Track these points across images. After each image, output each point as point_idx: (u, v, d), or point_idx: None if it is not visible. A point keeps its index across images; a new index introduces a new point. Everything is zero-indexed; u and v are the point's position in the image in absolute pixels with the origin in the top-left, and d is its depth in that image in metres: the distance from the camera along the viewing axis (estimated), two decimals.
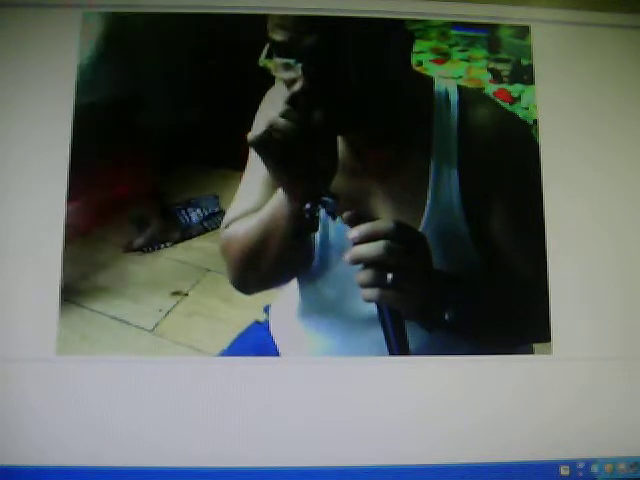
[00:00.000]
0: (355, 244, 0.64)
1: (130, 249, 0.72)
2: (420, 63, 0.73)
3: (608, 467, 0.68)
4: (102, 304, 0.69)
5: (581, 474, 0.67)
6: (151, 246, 0.72)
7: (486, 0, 0.76)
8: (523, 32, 0.76)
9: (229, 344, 0.69)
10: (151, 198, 0.74)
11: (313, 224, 0.67)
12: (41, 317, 0.67)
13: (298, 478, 0.65)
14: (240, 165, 0.71)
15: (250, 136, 0.64)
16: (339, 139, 0.68)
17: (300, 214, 0.65)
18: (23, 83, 0.71)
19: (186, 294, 0.71)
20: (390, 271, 0.64)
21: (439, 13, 0.75)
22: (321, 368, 0.68)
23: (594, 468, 0.68)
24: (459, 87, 0.70)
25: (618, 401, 0.69)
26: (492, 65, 0.75)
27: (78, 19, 0.72)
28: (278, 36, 0.65)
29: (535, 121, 0.74)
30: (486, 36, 0.75)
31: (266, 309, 0.73)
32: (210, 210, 0.74)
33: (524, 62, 0.75)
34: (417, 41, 0.73)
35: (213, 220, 0.74)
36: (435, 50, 0.74)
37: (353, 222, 0.65)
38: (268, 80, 0.68)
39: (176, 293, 0.71)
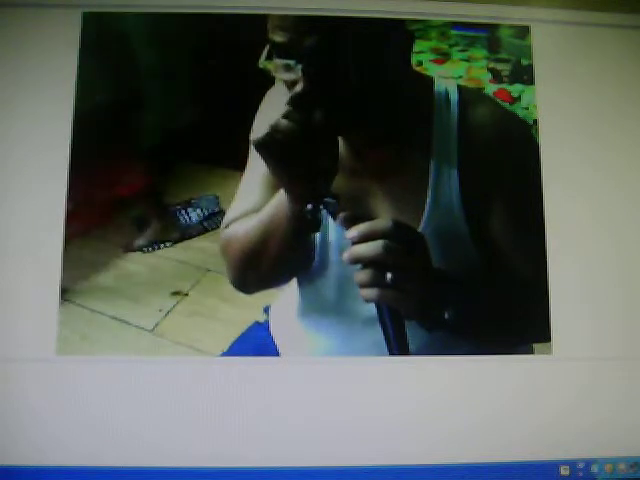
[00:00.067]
0: (354, 243, 0.64)
1: (130, 249, 0.72)
2: (420, 63, 0.73)
3: (608, 467, 0.68)
4: (102, 304, 0.69)
5: (581, 474, 0.67)
6: (151, 246, 0.72)
7: (486, 0, 0.76)
8: (523, 32, 0.76)
9: (229, 346, 0.69)
10: (151, 198, 0.74)
11: (315, 224, 0.67)
12: (41, 317, 0.67)
13: (298, 478, 0.66)
14: (240, 165, 0.71)
15: (252, 137, 0.64)
16: (339, 139, 0.68)
17: (301, 215, 0.65)
18: (23, 83, 0.71)
19: (186, 294, 0.71)
20: (389, 270, 0.64)
21: (439, 13, 0.75)
22: (321, 368, 0.68)
23: (594, 468, 0.68)
24: (459, 87, 0.70)
25: (618, 401, 0.69)
26: (492, 65, 0.75)
27: (78, 19, 0.72)
28: (278, 37, 0.65)
29: (535, 121, 0.74)
30: (486, 36, 0.75)
31: (266, 309, 0.73)
32: (210, 210, 0.74)
33: (524, 62, 0.75)
34: (417, 41, 0.73)
35: (213, 220, 0.74)
36: (435, 50, 0.74)
37: (349, 223, 0.65)
38: (268, 80, 0.68)
39: (176, 293, 0.71)
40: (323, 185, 0.66)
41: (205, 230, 0.74)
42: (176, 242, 0.74)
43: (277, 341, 0.73)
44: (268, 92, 0.69)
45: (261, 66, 0.67)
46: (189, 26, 0.74)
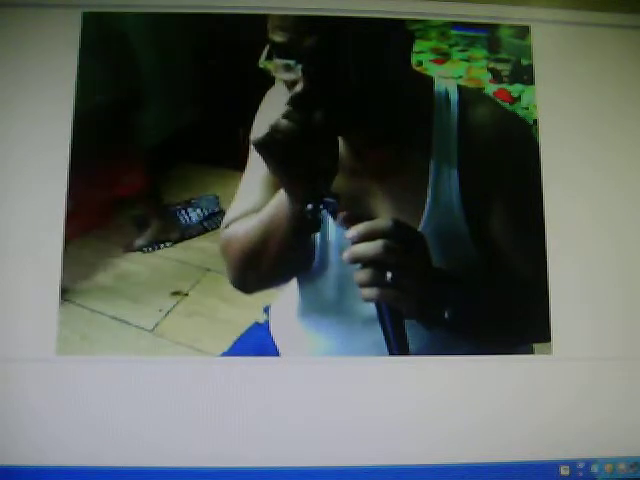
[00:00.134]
0: (354, 243, 0.64)
1: (130, 249, 0.72)
2: (420, 63, 0.73)
3: (608, 467, 0.68)
4: (102, 304, 0.69)
5: (581, 474, 0.67)
6: (151, 246, 0.72)
7: (486, 0, 0.76)
8: (523, 32, 0.76)
9: (229, 346, 0.69)
10: (151, 198, 0.74)
11: (315, 224, 0.67)
12: (41, 317, 0.67)
13: (298, 478, 0.65)
14: (240, 165, 0.71)
15: (253, 137, 0.64)
16: (339, 139, 0.68)
17: (301, 214, 0.65)
18: (23, 83, 0.71)
19: (186, 294, 0.71)
20: (389, 270, 0.64)
21: (439, 13, 0.75)
22: (321, 368, 0.68)
23: (594, 468, 0.68)
24: (459, 87, 0.70)
25: (618, 401, 0.69)
26: (492, 65, 0.75)
27: (78, 19, 0.72)
28: (278, 37, 0.65)
29: (535, 121, 0.74)
30: (486, 36, 0.75)
31: (266, 309, 0.73)
32: (210, 210, 0.74)
33: (524, 62, 0.75)
34: (417, 41, 0.73)
35: (213, 220, 0.74)
36: (435, 50, 0.74)
37: (349, 223, 0.65)
38: (268, 80, 0.68)
39: (176, 293, 0.71)
40: (323, 185, 0.66)
41: (205, 230, 0.74)
42: (176, 242, 0.74)
43: (277, 341, 0.73)
44: (268, 92, 0.69)
45: (261, 66, 0.67)
46: (189, 26, 0.74)
